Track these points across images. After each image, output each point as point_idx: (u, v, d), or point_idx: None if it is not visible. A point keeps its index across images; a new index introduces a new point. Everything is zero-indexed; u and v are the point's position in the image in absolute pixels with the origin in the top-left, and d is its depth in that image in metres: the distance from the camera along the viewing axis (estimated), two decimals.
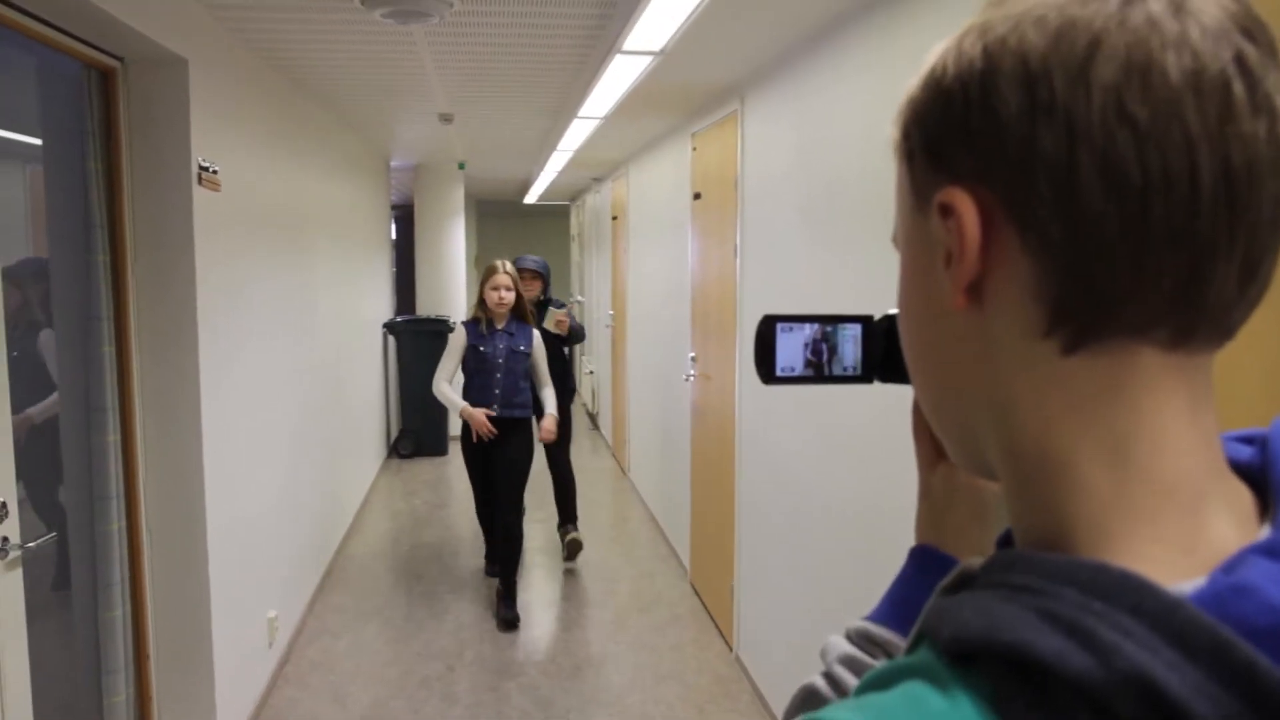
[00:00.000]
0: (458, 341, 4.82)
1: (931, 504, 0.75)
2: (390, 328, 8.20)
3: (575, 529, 5.72)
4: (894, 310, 0.73)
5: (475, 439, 4.80)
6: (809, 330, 0.75)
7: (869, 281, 2.82)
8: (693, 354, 5.15)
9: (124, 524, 2.99)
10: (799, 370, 0.75)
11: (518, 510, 4.87)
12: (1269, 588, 0.38)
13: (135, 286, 3.01)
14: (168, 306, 3.06)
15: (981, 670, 0.40)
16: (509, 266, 4.85)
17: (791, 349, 0.75)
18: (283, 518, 4.28)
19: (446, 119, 5.51)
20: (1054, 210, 0.43)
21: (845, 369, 0.76)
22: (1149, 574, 0.40)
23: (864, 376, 0.76)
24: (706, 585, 4.94)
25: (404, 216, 10.29)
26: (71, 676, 3.02)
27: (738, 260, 4.20)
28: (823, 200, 3.19)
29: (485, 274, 4.83)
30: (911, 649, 0.47)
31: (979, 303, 0.47)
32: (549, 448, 5.52)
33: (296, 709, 3.83)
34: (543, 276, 5.59)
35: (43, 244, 3.25)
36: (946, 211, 0.46)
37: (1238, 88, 0.41)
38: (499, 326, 4.81)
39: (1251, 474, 0.48)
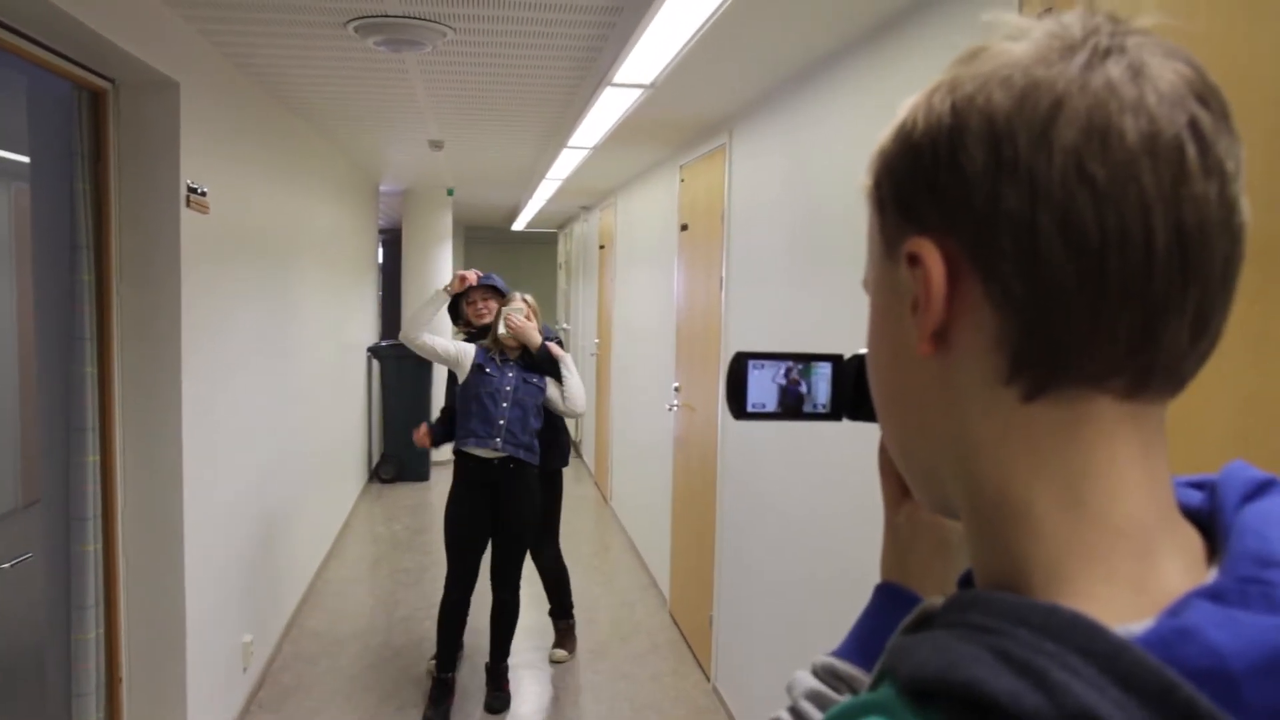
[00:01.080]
0: (461, 344, 4.14)
1: (896, 542, 0.77)
2: (375, 352, 8.19)
3: (570, 620, 4.81)
4: (864, 350, 0.75)
5: (471, 488, 4.07)
6: (780, 368, 0.77)
7: (852, 317, 2.84)
8: (676, 384, 5.17)
9: (100, 546, 2.97)
10: (770, 407, 0.77)
11: (517, 581, 4.15)
12: (1210, 631, 0.39)
13: (120, 307, 3.01)
14: (152, 328, 3.06)
15: (938, 707, 0.41)
16: (518, 298, 4.23)
17: (763, 386, 0.77)
18: (261, 541, 4.25)
19: (437, 145, 5.53)
20: (1016, 264, 0.44)
21: (816, 407, 0.77)
22: (1100, 615, 0.41)
23: (834, 414, 0.78)
24: (686, 616, 4.93)
25: (392, 241, 10.31)
26: (41, 698, 2.98)
27: (723, 292, 4.22)
28: (808, 235, 3.22)
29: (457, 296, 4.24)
30: (874, 686, 0.48)
31: (944, 350, 0.48)
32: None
33: None
34: (502, 295, 4.38)
35: (27, 263, 3.24)
36: (914, 261, 0.48)
37: (1191, 151, 0.43)
38: (511, 359, 4.09)
39: (1201, 519, 0.49)
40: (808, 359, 0.77)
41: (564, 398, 4.13)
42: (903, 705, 0.42)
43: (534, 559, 4.64)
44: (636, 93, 3.64)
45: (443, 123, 4.87)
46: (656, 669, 4.48)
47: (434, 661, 4.16)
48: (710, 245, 4.47)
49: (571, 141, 4.90)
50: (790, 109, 3.42)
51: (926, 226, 0.48)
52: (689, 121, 4.47)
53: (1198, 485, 0.52)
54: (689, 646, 4.79)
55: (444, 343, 4.12)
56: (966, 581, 0.56)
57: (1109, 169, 0.43)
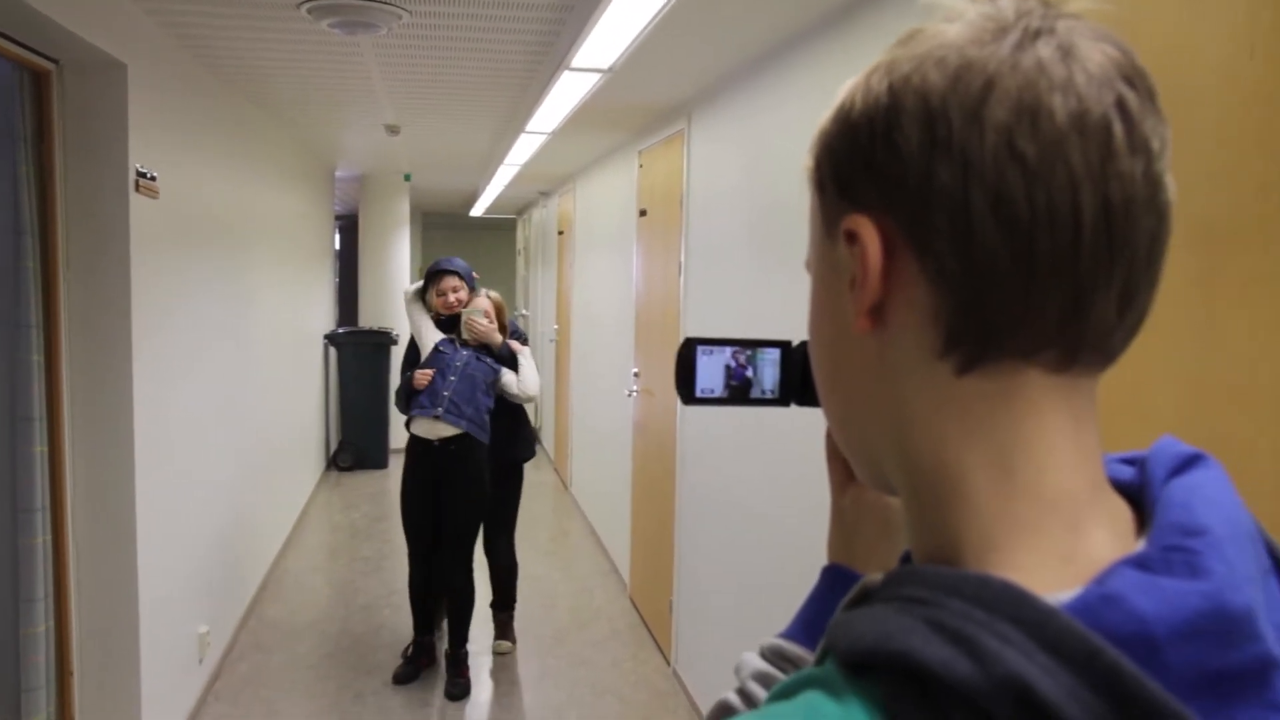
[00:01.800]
0: (431, 329, 4.22)
1: (842, 524, 0.78)
2: (331, 339, 8.10)
3: (511, 613, 4.71)
4: None
5: (417, 471, 4.18)
6: (729, 353, 0.77)
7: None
8: (635, 369, 5.17)
9: (49, 538, 2.91)
10: (719, 392, 0.77)
11: (468, 566, 4.19)
12: (1135, 597, 0.40)
13: (67, 294, 2.95)
14: (101, 315, 3.00)
15: (874, 679, 0.42)
16: (489, 296, 4.33)
17: (712, 371, 0.77)
18: (217, 531, 4.20)
19: (393, 130, 5.47)
20: (949, 241, 0.45)
21: (764, 392, 0.78)
22: (1030, 584, 0.42)
23: (782, 400, 0.79)
24: (646, 600, 4.94)
25: (348, 227, 10.19)
26: None
27: (682, 278, 4.22)
28: (766, 220, 3.24)
29: (426, 280, 4.27)
30: (819, 662, 0.49)
31: (881, 326, 0.49)
32: (486, 528, 4.51)
33: None
34: (466, 281, 4.37)
35: None
36: (851, 238, 0.48)
37: (1118, 129, 0.44)
38: (470, 343, 4.18)
39: (1131, 493, 0.50)
40: (756, 345, 0.78)
41: (518, 381, 4.23)
42: (841, 678, 0.43)
43: (485, 549, 4.60)
44: (594, 77, 3.62)
45: (399, 107, 4.82)
46: (617, 654, 4.49)
47: (411, 645, 4.30)
48: (669, 231, 4.47)
49: (529, 126, 4.86)
50: (749, 94, 3.42)
51: (863, 204, 0.48)
52: (648, 106, 4.46)
53: (1129, 461, 0.53)
54: (649, 631, 4.81)
55: (420, 321, 4.25)
56: (908, 558, 0.57)
57: (1038, 147, 0.44)
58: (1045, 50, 0.45)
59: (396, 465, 8.45)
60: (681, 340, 0.77)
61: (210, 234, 4.05)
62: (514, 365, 4.22)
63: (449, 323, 4.27)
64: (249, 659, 4.36)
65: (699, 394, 0.77)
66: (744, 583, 3.46)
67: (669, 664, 4.40)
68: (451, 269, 4.28)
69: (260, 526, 5.20)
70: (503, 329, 4.28)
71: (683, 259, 4.21)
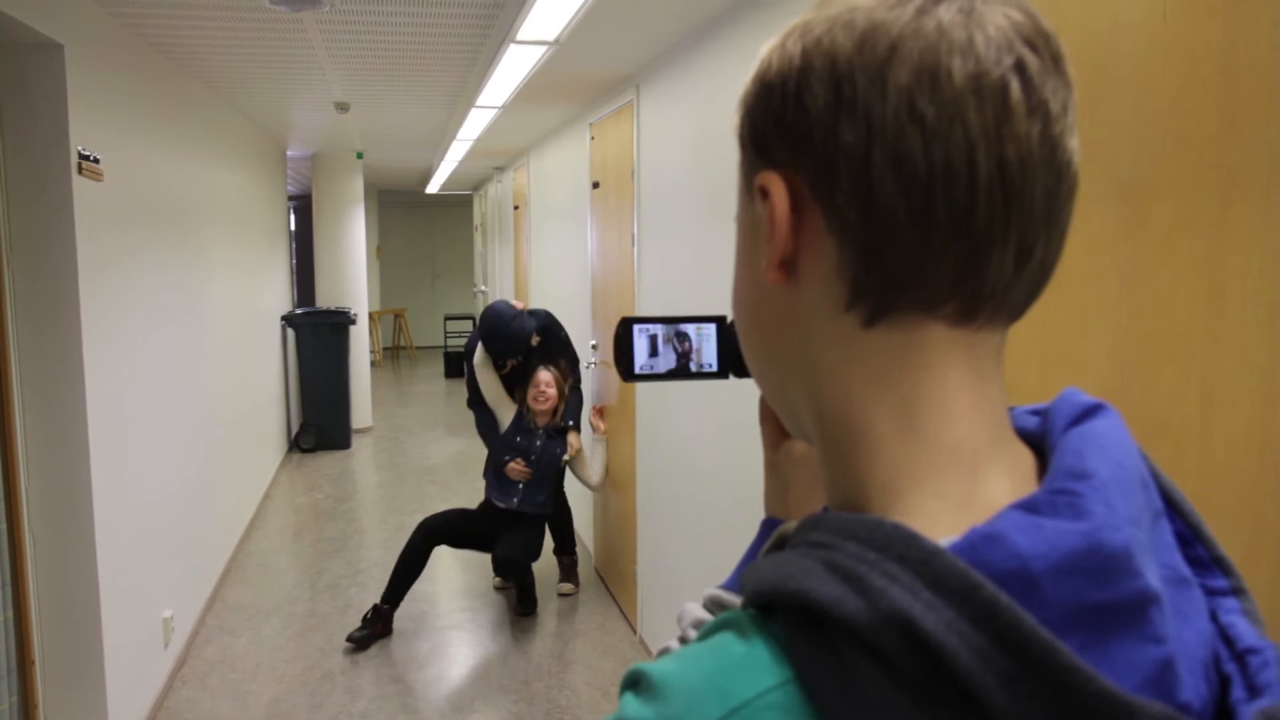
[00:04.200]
0: (503, 399, 4.76)
1: (777, 479, 0.80)
2: (289, 320, 8.04)
3: (573, 556, 5.17)
4: None
5: (487, 516, 4.69)
6: (666, 330, 0.80)
7: None
8: (594, 342, 5.19)
9: (5, 526, 2.89)
10: (658, 368, 0.80)
11: (529, 569, 4.65)
12: (1015, 536, 0.42)
13: (11, 280, 2.91)
14: (49, 301, 2.97)
15: (777, 618, 0.45)
16: (554, 370, 4.73)
17: (649, 348, 0.80)
18: (177, 515, 4.18)
19: (343, 108, 5.42)
20: (851, 197, 0.47)
21: (703, 366, 0.81)
22: (928, 528, 0.44)
23: (721, 373, 0.81)
24: (610, 570, 4.99)
25: (302, 207, 10.08)
26: None
27: (635, 249, 4.24)
28: (719, 191, 3.25)
29: (499, 353, 4.71)
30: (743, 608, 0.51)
31: (793, 279, 0.51)
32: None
33: (195, 709, 3.76)
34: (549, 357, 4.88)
35: None
36: (764, 194, 0.50)
37: (1015, 91, 0.46)
38: (539, 427, 4.69)
39: (1036, 442, 0.53)
40: (690, 320, 0.80)
41: (588, 476, 4.97)
42: (749, 619, 0.46)
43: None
44: (541, 49, 3.61)
45: (347, 84, 4.78)
46: (583, 623, 4.54)
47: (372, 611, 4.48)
48: (622, 203, 4.48)
49: (479, 101, 4.85)
50: (697, 64, 3.43)
51: (775, 162, 0.50)
52: (597, 78, 4.45)
53: (1036, 412, 0.55)
54: (614, 599, 4.86)
55: (494, 387, 4.72)
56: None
57: (937, 107, 0.46)
58: (947, 14, 0.47)
59: (359, 445, 8.49)
60: (618, 322, 0.80)
61: (161, 216, 4.00)
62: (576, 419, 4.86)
63: (513, 374, 4.81)
64: (215, 642, 4.36)
65: (638, 370, 0.80)
66: (705, 547, 3.51)
67: (635, 632, 4.45)
68: (538, 355, 4.80)
69: (223, 510, 5.18)
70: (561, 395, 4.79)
71: (635, 231, 4.23)
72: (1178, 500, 0.51)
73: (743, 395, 3.02)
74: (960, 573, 0.41)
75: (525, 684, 3.97)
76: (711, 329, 0.81)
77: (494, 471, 4.67)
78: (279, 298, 7.91)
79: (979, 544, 0.43)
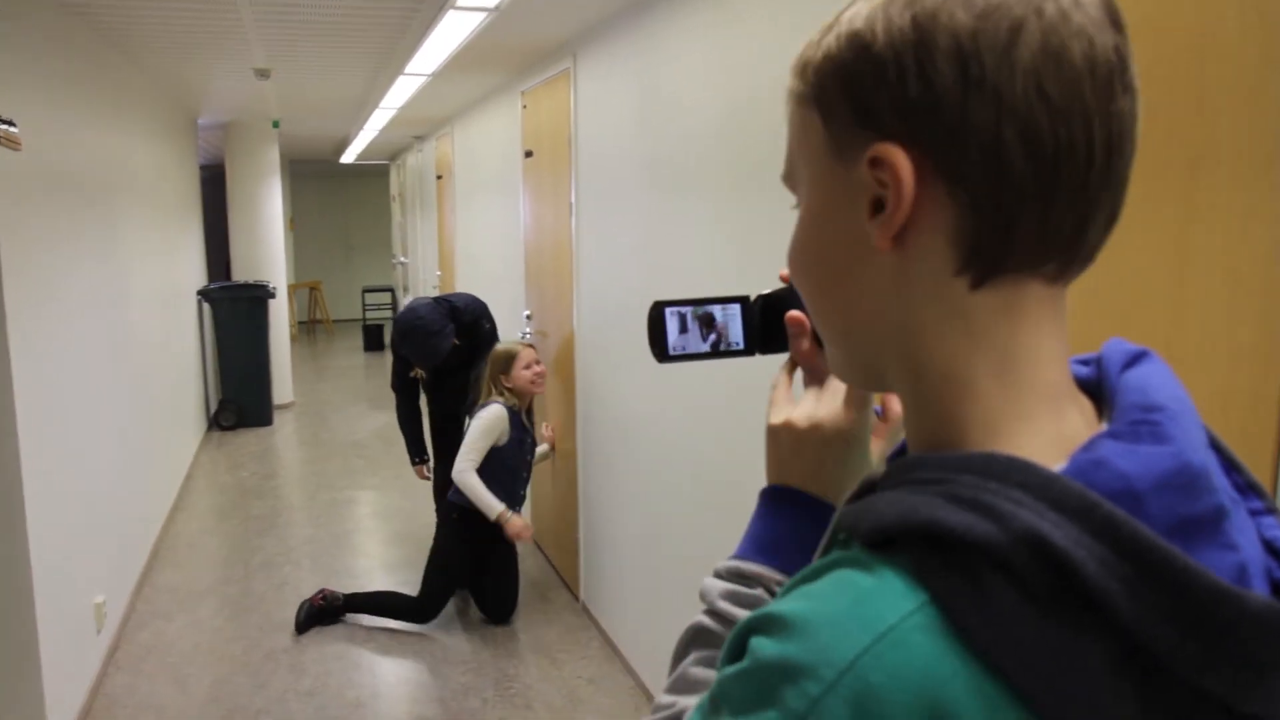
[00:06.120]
0: (498, 424, 4.00)
1: (779, 451, 0.80)
2: (205, 295, 7.80)
3: None
4: (767, 291, 0.81)
5: (471, 539, 4.10)
6: (694, 311, 0.82)
7: (710, 241, 2.91)
8: (528, 312, 5.16)
9: None
10: (689, 348, 0.82)
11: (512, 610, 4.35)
12: (1118, 460, 0.48)
13: None
14: None
15: (900, 550, 0.48)
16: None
17: (680, 329, 0.82)
18: (104, 497, 4.06)
19: (264, 74, 5.26)
20: (983, 172, 0.50)
21: (730, 345, 0.83)
22: (1030, 459, 0.49)
23: (747, 350, 0.84)
24: (551, 539, 5.00)
25: (212, 178, 9.75)
26: None
27: (573, 218, 4.23)
28: (663, 160, 3.26)
29: (503, 362, 4.08)
30: (827, 550, 0.55)
31: (900, 246, 0.53)
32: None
33: (134, 695, 3.67)
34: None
35: None
36: (877, 164, 0.52)
37: (1118, 71, 0.50)
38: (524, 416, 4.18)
39: (1088, 387, 0.58)
40: (718, 302, 0.82)
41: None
42: (865, 555, 0.49)
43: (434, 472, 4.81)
44: (480, 16, 3.56)
45: (271, 50, 4.64)
46: (525, 593, 4.53)
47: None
48: (558, 173, 4.45)
49: (409, 68, 4.75)
50: (639, 32, 3.42)
51: (889, 134, 0.51)
52: (531, 46, 4.40)
53: (1084, 361, 0.60)
54: (554, 569, 4.89)
55: (481, 451, 4.01)
56: (895, 458, 0.62)
57: (1061, 87, 0.49)
58: None
59: (281, 421, 8.32)
60: (651, 305, 0.81)
61: (79, 187, 3.85)
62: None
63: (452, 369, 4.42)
64: (149, 626, 4.25)
65: (672, 352, 0.82)
66: (648, 513, 3.55)
67: (578, 599, 4.48)
68: (461, 353, 4.39)
69: (146, 491, 5.04)
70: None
71: (573, 200, 4.21)
72: (1213, 434, 0.56)
73: (694, 369, 3.05)
74: (1080, 493, 0.46)
75: (472, 654, 3.97)
76: (736, 309, 0.83)
77: (495, 482, 4.03)
78: (193, 272, 7.67)
79: (1088, 468, 0.48)
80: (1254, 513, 0.54)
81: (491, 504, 3.94)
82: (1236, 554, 0.48)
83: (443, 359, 4.33)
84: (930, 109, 0.50)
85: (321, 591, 4.26)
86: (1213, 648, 0.44)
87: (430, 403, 4.79)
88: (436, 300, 4.43)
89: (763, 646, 0.48)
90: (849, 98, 0.53)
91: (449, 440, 4.52)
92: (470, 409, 4.23)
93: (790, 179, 0.61)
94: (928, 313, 0.54)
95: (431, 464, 4.80)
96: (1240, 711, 0.46)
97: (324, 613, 4.21)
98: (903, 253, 0.53)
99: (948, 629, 0.45)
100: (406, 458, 4.86)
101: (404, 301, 6.88)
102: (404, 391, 4.71)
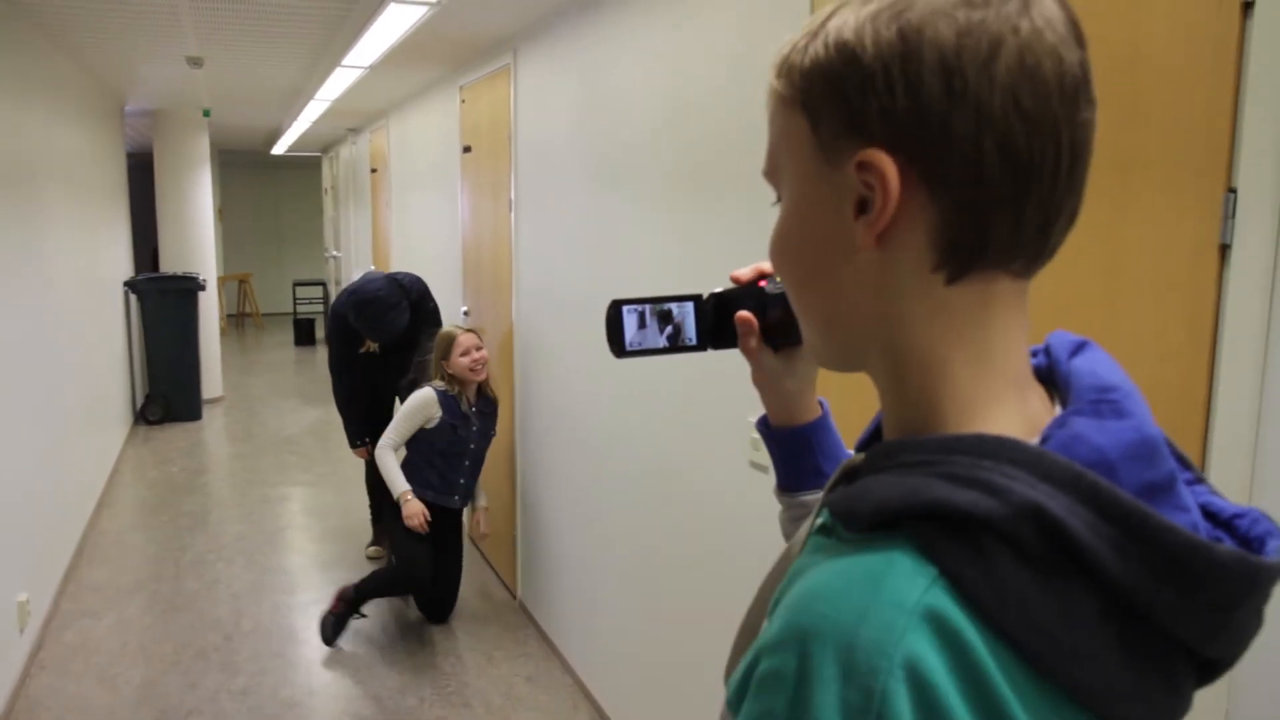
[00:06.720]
0: (424, 409, 3.92)
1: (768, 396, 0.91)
2: (133, 286, 7.61)
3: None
4: (719, 289, 0.86)
5: (431, 532, 3.95)
6: (649, 310, 0.86)
7: (651, 238, 2.94)
8: (465, 307, 5.15)
9: None
10: (645, 344, 0.86)
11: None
12: (1092, 435, 0.53)
13: None
14: None
15: (904, 531, 0.51)
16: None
17: (636, 327, 0.86)
18: (23, 494, 3.95)
19: (196, 62, 5.16)
20: (962, 177, 0.54)
21: (684, 341, 0.87)
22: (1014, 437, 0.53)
23: (699, 346, 0.88)
24: (489, 538, 4.98)
25: (139, 166, 9.51)
26: None
27: (513, 214, 4.23)
28: (606, 157, 3.28)
29: (444, 347, 3.95)
30: (825, 532, 0.59)
31: (882, 244, 0.57)
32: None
33: (59, 696, 3.58)
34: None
35: None
36: (866, 169, 0.55)
37: (1082, 85, 0.55)
38: (472, 403, 4.02)
39: (1039, 374, 0.64)
40: (673, 300, 0.86)
41: None
42: (866, 539, 0.53)
43: (366, 462, 4.83)
44: (422, 10, 3.54)
45: (204, 38, 4.55)
46: (463, 593, 4.51)
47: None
48: (498, 168, 4.44)
49: (346, 60, 4.70)
50: (581, 29, 3.43)
51: (875, 139, 0.55)
52: (471, 40, 4.38)
53: (1031, 352, 0.65)
54: (491, 567, 4.88)
55: (401, 434, 3.97)
56: (863, 446, 0.67)
57: (1035, 101, 0.53)
58: (1038, 17, 0.54)
59: (211, 416, 8.16)
60: (609, 304, 0.85)
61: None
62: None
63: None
64: (74, 626, 4.16)
65: (629, 347, 0.86)
66: (585, 513, 3.57)
67: (515, 596, 4.49)
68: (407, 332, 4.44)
69: (68, 486, 4.92)
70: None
71: (513, 196, 4.21)
72: None
73: (633, 368, 3.08)
74: (1065, 466, 0.51)
75: (409, 654, 3.96)
76: (690, 307, 0.87)
77: (433, 459, 4.00)
78: (120, 262, 7.48)
79: (1068, 442, 0.53)
80: (1187, 482, 0.59)
81: (397, 483, 3.90)
82: (1189, 515, 0.53)
83: (398, 334, 4.36)
84: (916, 118, 0.54)
85: (337, 595, 4.07)
86: (1186, 594, 0.50)
87: (370, 383, 4.75)
88: (388, 276, 4.46)
89: (785, 663, 0.50)
90: (837, 104, 0.57)
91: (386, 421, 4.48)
92: (404, 390, 4.20)
93: (772, 175, 0.64)
94: (907, 305, 0.58)
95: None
96: (1203, 656, 0.53)
97: (347, 614, 4.06)
98: (885, 250, 0.57)
99: (956, 598, 0.49)
100: (339, 454, 4.83)
101: (335, 295, 6.82)
102: (344, 371, 4.65)
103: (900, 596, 0.49)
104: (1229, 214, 1.25)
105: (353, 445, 4.75)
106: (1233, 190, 1.25)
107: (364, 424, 4.70)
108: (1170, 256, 1.32)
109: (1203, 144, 1.27)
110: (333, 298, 12.09)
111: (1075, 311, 1.46)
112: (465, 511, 4.29)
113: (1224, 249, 1.26)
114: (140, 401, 7.93)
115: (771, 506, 0.98)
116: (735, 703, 0.55)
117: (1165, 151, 1.31)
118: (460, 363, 3.93)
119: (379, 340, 4.52)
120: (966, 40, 0.53)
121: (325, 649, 3.97)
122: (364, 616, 4.12)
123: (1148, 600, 0.50)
